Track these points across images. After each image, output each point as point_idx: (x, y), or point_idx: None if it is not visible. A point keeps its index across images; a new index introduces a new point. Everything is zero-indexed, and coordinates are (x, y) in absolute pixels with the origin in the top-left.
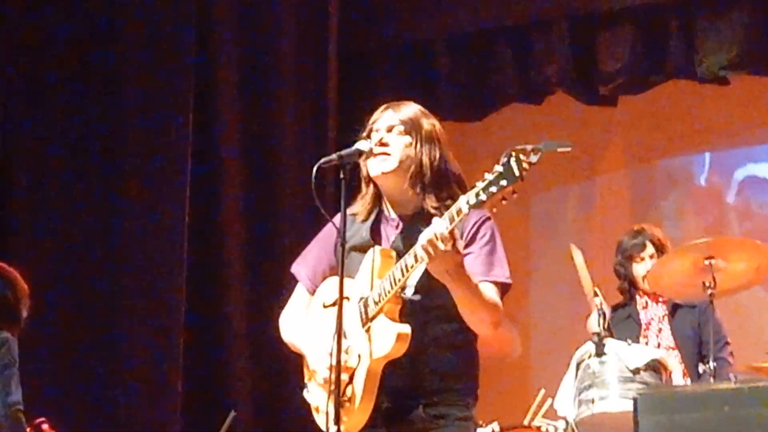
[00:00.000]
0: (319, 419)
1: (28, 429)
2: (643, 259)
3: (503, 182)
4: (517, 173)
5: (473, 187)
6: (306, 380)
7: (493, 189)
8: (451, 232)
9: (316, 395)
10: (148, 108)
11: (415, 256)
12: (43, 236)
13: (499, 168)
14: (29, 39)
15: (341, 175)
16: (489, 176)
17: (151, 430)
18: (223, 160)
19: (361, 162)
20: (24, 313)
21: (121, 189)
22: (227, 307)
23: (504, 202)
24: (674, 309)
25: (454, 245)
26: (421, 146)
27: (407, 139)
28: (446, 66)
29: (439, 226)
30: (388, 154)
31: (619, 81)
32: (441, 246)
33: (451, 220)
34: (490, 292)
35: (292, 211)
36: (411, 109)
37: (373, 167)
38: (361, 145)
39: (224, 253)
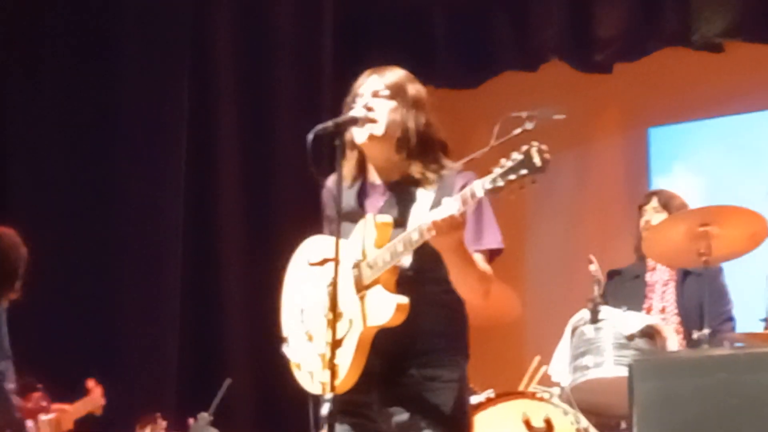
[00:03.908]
0: (300, 376)
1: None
2: (645, 211)
3: (523, 171)
4: (539, 163)
5: (489, 172)
6: (285, 334)
7: (512, 176)
8: (462, 215)
9: (298, 352)
10: (143, 81)
11: (421, 232)
12: (41, 214)
13: (518, 156)
14: (27, 19)
15: (336, 143)
16: (508, 163)
17: (146, 398)
18: (220, 130)
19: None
20: (20, 269)
21: (118, 165)
22: (224, 276)
23: (522, 189)
24: (684, 275)
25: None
26: (407, 111)
27: (392, 104)
28: (442, 33)
29: (451, 207)
30: (374, 121)
31: (615, 48)
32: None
33: (464, 202)
34: (481, 262)
35: (288, 180)
36: (396, 73)
37: (358, 133)
38: (356, 112)
39: (221, 222)
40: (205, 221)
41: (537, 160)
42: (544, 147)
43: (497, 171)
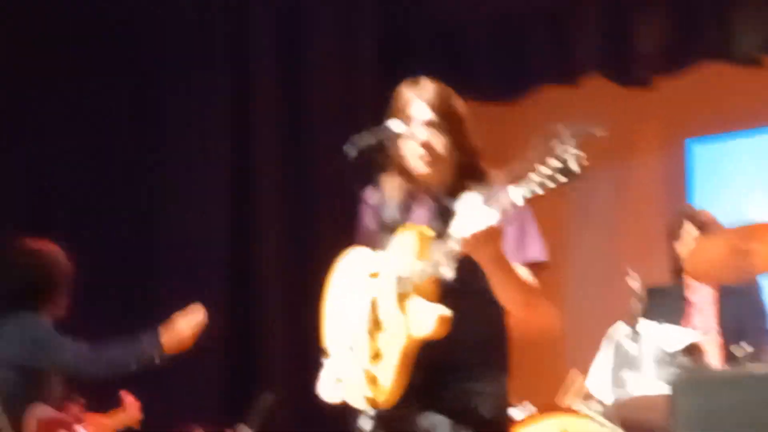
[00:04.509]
0: (342, 390)
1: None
2: (681, 237)
3: (561, 178)
4: (577, 170)
5: (525, 178)
6: (326, 348)
7: (551, 184)
8: (500, 225)
9: (339, 365)
10: (186, 96)
11: (462, 243)
12: (83, 208)
13: (557, 163)
14: (72, 31)
15: (376, 155)
16: (545, 170)
17: (186, 411)
18: (261, 142)
19: (391, 142)
20: (64, 284)
21: (161, 180)
22: (264, 288)
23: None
24: (725, 293)
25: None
26: (458, 137)
27: (447, 137)
28: (481, 47)
29: (490, 218)
30: (434, 159)
31: (654, 62)
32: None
33: (503, 212)
34: (524, 273)
35: (328, 192)
36: (442, 96)
37: (416, 166)
38: (396, 125)
39: (262, 235)
40: (246, 233)
41: (574, 167)
42: (582, 153)
43: (535, 179)
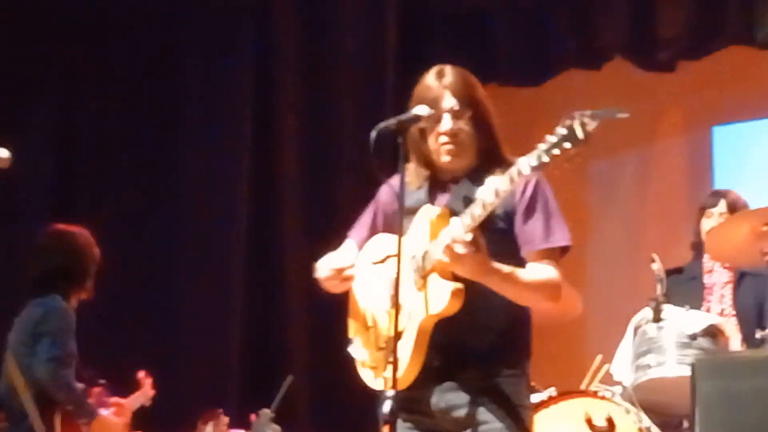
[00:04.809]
0: (364, 374)
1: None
2: (712, 214)
3: (567, 144)
4: (581, 135)
5: (534, 148)
6: (351, 335)
7: (556, 151)
8: (475, 237)
9: (362, 350)
10: (207, 84)
11: (472, 216)
12: (106, 194)
13: (562, 130)
14: (94, 23)
15: (399, 140)
16: (552, 138)
17: (209, 394)
18: (283, 129)
19: (413, 128)
20: (91, 269)
21: (182, 149)
22: (286, 272)
23: (566, 165)
24: (741, 276)
25: (475, 244)
26: (481, 124)
27: (471, 125)
28: (505, 32)
29: (501, 185)
30: (458, 148)
31: (678, 47)
32: (460, 250)
33: (511, 180)
34: (542, 267)
35: (351, 179)
36: (466, 84)
37: (442, 155)
38: (419, 110)
39: (284, 219)
40: (268, 218)
41: (580, 133)
42: (587, 119)
43: (542, 147)
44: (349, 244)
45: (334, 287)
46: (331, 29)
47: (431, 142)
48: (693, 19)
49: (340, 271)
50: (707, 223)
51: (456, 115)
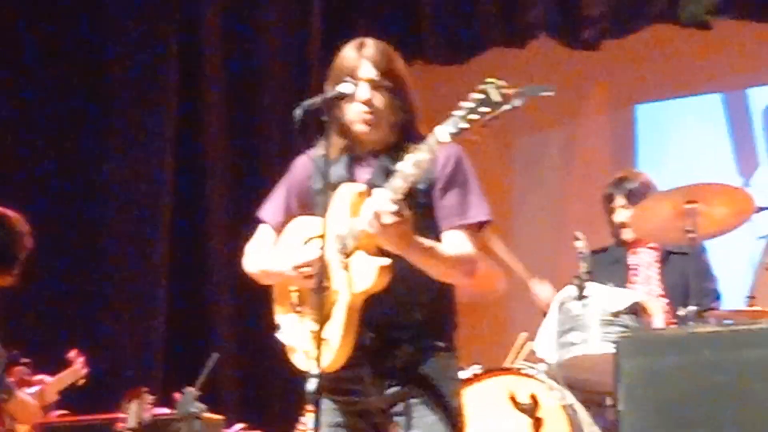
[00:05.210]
0: (296, 359)
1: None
2: (614, 209)
3: (484, 109)
4: (498, 98)
5: (449, 116)
6: (278, 320)
7: (474, 116)
8: (400, 208)
9: (290, 334)
10: (132, 47)
11: (393, 188)
12: (30, 174)
13: (478, 95)
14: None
15: (324, 118)
16: (467, 104)
17: (133, 373)
18: (207, 107)
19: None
20: (21, 255)
21: (106, 133)
22: (211, 250)
23: (484, 129)
24: (666, 255)
25: (399, 215)
26: (400, 95)
27: (388, 95)
28: (430, 9)
29: (421, 155)
30: (374, 118)
31: (602, 25)
32: (386, 220)
33: (430, 150)
34: (458, 243)
35: (276, 157)
36: (383, 54)
37: (357, 124)
38: (344, 87)
39: (209, 197)
40: (193, 196)
41: (496, 96)
42: (501, 83)
43: (457, 113)
44: (266, 231)
45: (277, 281)
46: (254, 5)
47: (348, 111)
48: None
49: (305, 273)
50: (617, 216)
51: (374, 85)
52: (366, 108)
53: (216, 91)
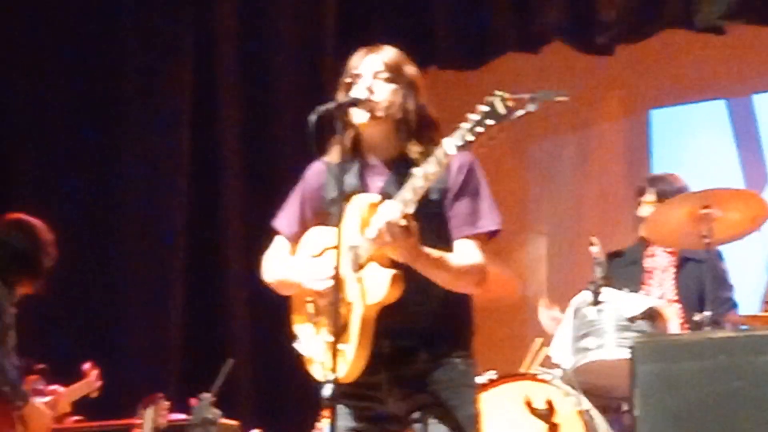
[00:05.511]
0: (314, 370)
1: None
2: (641, 203)
3: (489, 121)
4: (503, 111)
5: (457, 129)
6: (296, 330)
7: (480, 129)
8: (408, 221)
9: (308, 345)
10: (147, 47)
11: (404, 201)
12: (45, 181)
13: (484, 108)
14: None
15: (337, 124)
16: (474, 116)
17: (149, 379)
18: (222, 113)
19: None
20: (46, 263)
21: (121, 142)
22: (227, 258)
23: (491, 142)
24: (683, 262)
25: (407, 228)
26: (406, 92)
27: (392, 85)
28: (444, 14)
29: (429, 168)
30: (377, 102)
31: (617, 30)
32: (394, 233)
33: (438, 163)
34: (468, 252)
35: (291, 164)
36: (392, 53)
37: (358, 114)
38: (358, 92)
39: (225, 205)
40: (209, 206)
41: (501, 109)
42: (507, 95)
43: (465, 126)
44: (282, 242)
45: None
46: (269, 11)
47: (354, 111)
48: (632, 2)
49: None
50: (642, 210)
51: (378, 75)
52: (366, 95)
53: (230, 97)
